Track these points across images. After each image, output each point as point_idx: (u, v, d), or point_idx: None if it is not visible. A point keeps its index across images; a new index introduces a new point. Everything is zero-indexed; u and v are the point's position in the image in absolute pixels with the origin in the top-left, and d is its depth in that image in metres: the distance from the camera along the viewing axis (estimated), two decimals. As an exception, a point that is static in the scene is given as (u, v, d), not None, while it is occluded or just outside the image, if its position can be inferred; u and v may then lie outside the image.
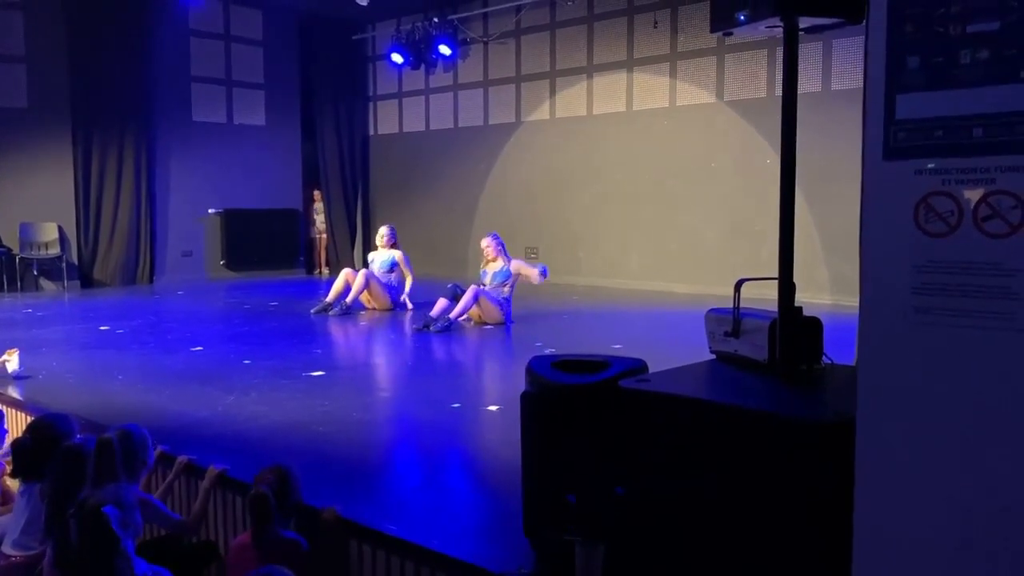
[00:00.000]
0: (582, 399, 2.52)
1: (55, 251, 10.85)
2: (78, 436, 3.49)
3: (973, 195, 1.58)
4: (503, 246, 7.90)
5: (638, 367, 2.60)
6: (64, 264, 10.87)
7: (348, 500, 3.09)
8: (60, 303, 9.87)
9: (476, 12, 11.97)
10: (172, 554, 3.18)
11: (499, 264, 7.81)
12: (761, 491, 2.00)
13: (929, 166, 1.62)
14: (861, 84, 1.76)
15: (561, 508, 2.49)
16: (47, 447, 3.32)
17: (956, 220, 1.60)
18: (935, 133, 1.61)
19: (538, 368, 2.68)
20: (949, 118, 1.60)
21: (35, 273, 10.74)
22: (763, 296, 2.57)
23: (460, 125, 12.59)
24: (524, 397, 2.66)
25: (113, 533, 2.49)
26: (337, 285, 8.45)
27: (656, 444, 2.23)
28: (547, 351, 6.30)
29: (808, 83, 8.79)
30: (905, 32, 1.63)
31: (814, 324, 2.39)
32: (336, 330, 7.55)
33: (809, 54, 8.77)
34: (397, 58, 12.29)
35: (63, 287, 10.84)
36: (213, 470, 3.43)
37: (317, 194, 13.72)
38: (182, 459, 3.60)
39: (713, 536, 2.12)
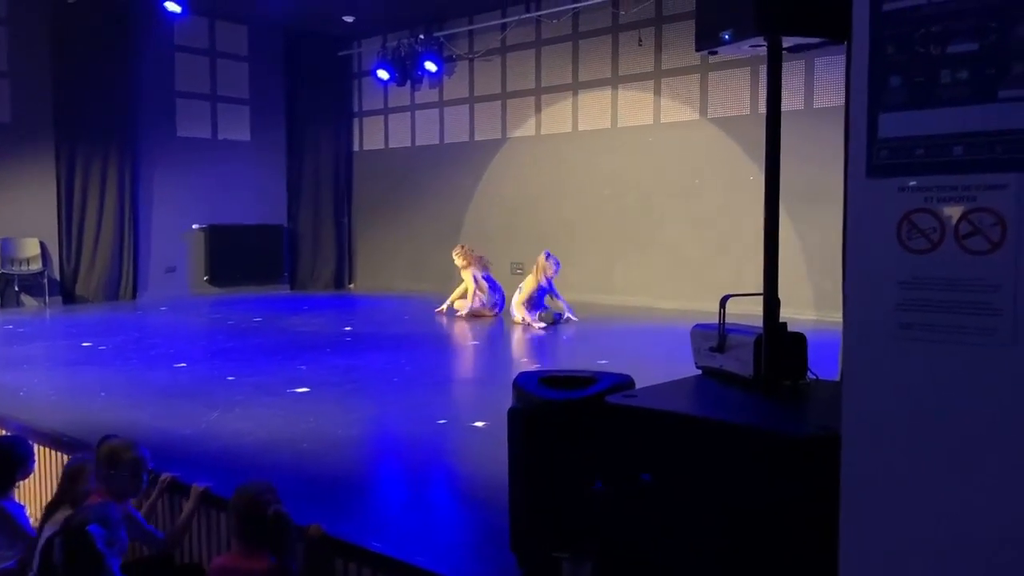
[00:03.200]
0: (569, 415, 2.52)
1: (37, 267, 10.76)
2: (33, 457, 3.54)
3: (955, 212, 1.60)
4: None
5: (625, 383, 2.60)
6: (46, 280, 10.78)
7: (333, 517, 3.07)
8: (42, 319, 9.78)
9: (462, 29, 12.03)
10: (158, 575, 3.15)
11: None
12: (747, 505, 2.01)
13: (911, 184, 1.64)
14: (843, 102, 1.78)
15: (549, 524, 2.49)
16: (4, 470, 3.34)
17: (938, 237, 1.62)
18: (916, 151, 1.64)
19: (525, 384, 2.68)
20: (930, 136, 1.62)
21: (16, 289, 10.64)
22: (748, 312, 2.59)
23: (446, 141, 12.62)
24: (511, 413, 2.66)
25: (98, 552, 2.46)
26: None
27: (643, 459, 2.23)
28: (534, 367, 6.30)
29: (790, 101, 8.87)
30: (887, 52, 1.65)
31: (798, 340, 2.41)
32: (320, 346, 7.51)
33: (791, 72, 8.86)
34: (383, 74, 12.33)
35: (45, 303, 10.75)
36: (197, 488, 3.40)
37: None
38: (165, 476, 3.57)
39: (700, 550, 2.12)
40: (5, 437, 3.87)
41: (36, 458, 3.79)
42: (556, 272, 8.62)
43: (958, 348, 1.60)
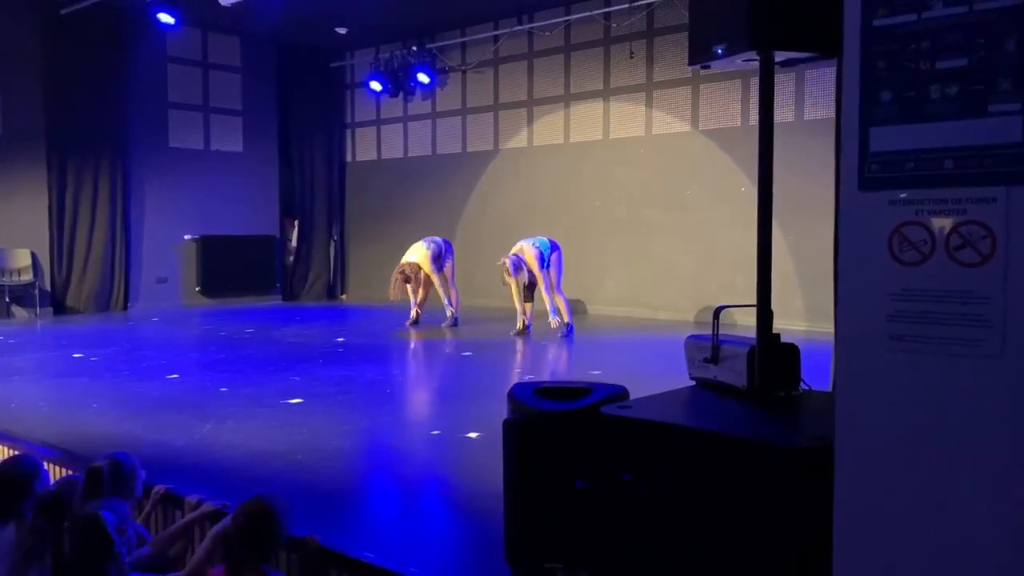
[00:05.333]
0: (564, 426, 2.53)
1: (28, 277, 10.72)
2: (44, 471, 3.49)
3: (945, 225, 1.62)
4: (517, 266, 8.39)
5: (619, 393, 2.61)
6: (37, 291, 10.73)
7: (327, 529, 3.07)
8: (33, 330, 9.74)
9: (454, 41, 12.08)
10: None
11: (523, 276, 8.51)
12: (741, 515, 2.02)
13: (902, 197, 1.67)
14: (833, 114, 1.80)
15: (544, 536, 2.49)
16: (15, 488, 3.30)
17: (929, 249, 1.64)
18: (907, 165, 1.66)
19: (520, 395, 2.69)
20: (921, 150, 1.64)
21: (7, 300, 10.59)
22: (738, 323, 2.61)
23: (438, 152, 12.64)
24: (506, 424, 2.66)
25: (108, 535, 2.46)
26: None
27: (637, 470, 2.24)
28: (527, 377, 6.31)
29: (781, 113, 8.93)
30: (878, 68, 1.68)
31: (791, 350, 2.43)
32: (313, 357, 7.50)
33: (781, 84, 8.92)
34: (375, 86, 12.36)
35: (36, 314, 10.70)
36: (190, 501, 3.39)
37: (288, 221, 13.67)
38: (159, 489, 3.55)
39: (694, 561, 2.13)
40: (10, 458, 3.87)
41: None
42: (515, 273, 8.42)
43: (948, 359, 1.62)
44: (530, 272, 8.52)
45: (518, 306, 8.70)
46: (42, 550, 2.95)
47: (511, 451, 2.65)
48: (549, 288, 8.54)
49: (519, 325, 8.67)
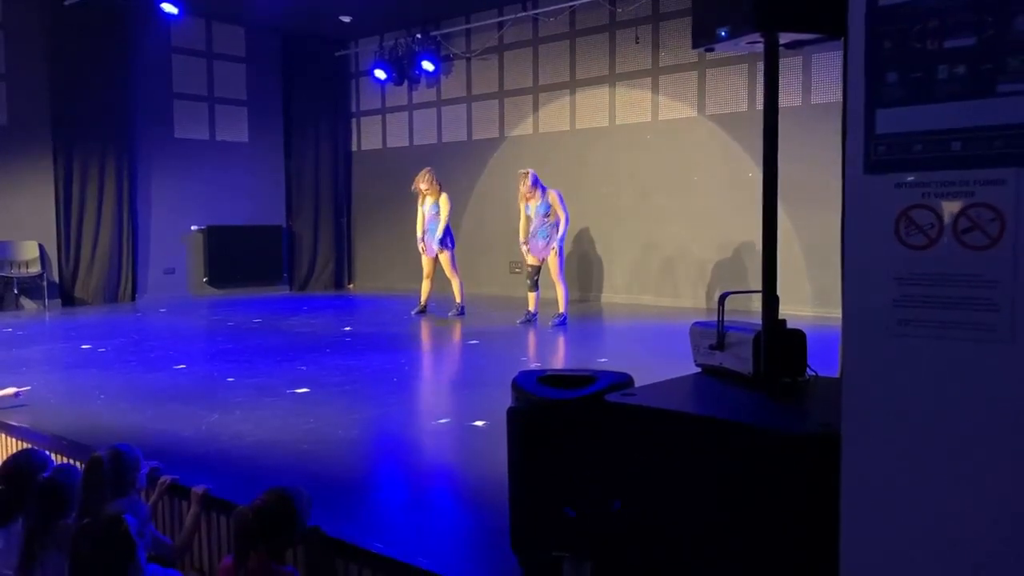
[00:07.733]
0: (569, 414, 2.52)
1: (36, 269, 10.76)
2: (52, 464, 3.49)
3: (953, 208, 1.59)
4: (538, 182, 8.39)
5: (624, 381, 2.60)
6: (45, 282, 10.77)
7: (333, 518, 3.07)
8: (41, 322, 9.77)
9: (459, 28, 12.02)
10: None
11: (538, 199, 8.38)
12: (747, 504, 2.01)
13: (909, 179, 1.64)
14: (840, 98, 1.77)
15: (549, 524, 2.48)
16: (24, 482, 3.29)
17: (936, 233, 1.61)
18: (914, 147, 1.63)
19: (524, 383, 2.67)
20: (928, 132, 1.61)
21: (15, 292, 10.64)
22: (746, 308, 2.58)
23: (444, 140, 12.61)
24: (510, 412, 2.65)
25: (131, 539, 2.48)
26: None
27: (642, 458, 2.23)
28: (533, 365, 6.30)
29: (788, 97, 8.86)
30: (884, 48, 1.65)
31: (798, 336, 2.40)
32: (320, 347, 7.51)
33: (788, 68, 8.85)
34: (380, 74, 12.33)
35: (44, 306, 10.74)
36: (196, 492, 3.39)
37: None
38: (165, 479, 3.56)
39: (700, 549, 2.12)
40: (19, 452, 3.88)
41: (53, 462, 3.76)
42: (533, 184, 8.29)
43: (956, 344, 1.59)
44: (533, 239, 8.44)
45: (521, 236, 8.61)
46: (48, 541, 2.96)
47: (515, 439, 2.64)
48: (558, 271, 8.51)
49: (530, 299, 8.59)
